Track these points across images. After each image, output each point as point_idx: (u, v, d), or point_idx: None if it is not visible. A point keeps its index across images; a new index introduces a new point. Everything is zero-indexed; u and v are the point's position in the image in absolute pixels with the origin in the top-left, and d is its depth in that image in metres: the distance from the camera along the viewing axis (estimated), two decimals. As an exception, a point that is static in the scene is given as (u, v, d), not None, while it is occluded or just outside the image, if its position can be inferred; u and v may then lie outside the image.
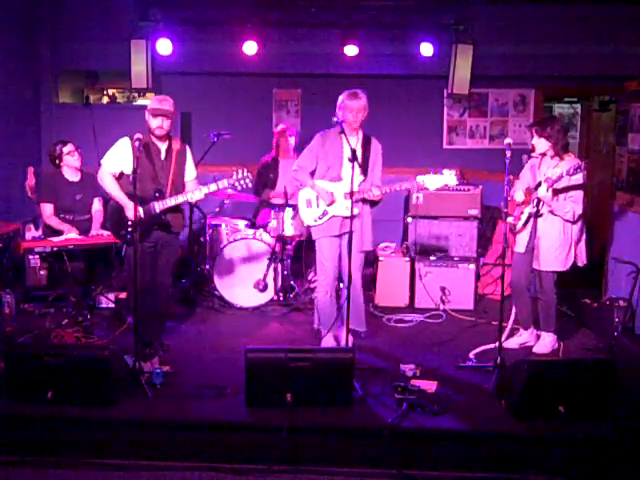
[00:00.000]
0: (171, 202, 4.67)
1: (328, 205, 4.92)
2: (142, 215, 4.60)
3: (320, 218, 4.96)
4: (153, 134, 4.70)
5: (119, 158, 4.71)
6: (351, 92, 4.84)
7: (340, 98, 4.87)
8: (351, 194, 4.56)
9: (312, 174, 5.01)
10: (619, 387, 4.02)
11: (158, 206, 4.66)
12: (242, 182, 4.64)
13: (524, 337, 5.21)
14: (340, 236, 4.95)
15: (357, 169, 4.57)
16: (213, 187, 4.67)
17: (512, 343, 5.17)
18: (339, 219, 4.91)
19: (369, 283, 6.38)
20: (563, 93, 8.45)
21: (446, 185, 4.88)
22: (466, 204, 6.28)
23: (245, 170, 4.64)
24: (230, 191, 6.22)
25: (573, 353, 5.04)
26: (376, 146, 5.00)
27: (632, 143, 5.92)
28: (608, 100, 8.16)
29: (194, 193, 4.65)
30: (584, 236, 4.98)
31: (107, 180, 4.73)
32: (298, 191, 5.13)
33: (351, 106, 4.79)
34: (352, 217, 4.56)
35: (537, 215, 4.89)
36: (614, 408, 3.97)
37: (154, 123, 4.66)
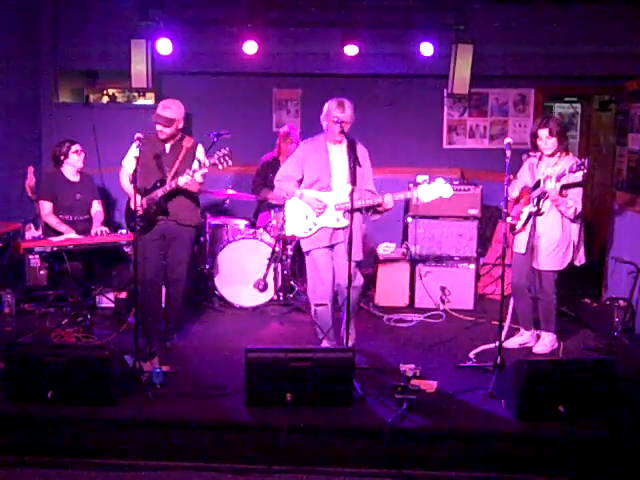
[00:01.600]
0: (169, 187, 4.75)
1: (317, 215, 4.77)
2: (145, 204, 4.76)
3: (310, 229, 4.81)
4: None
5: (132, 158, 4.85)
6: (338, 102, 4.70)
7: (326, 107, 4.75)
8: (351, 198, 4.46)
9: (299, 183, 4.88)
10: (619, 387, 4.02)
11: (159, 192, 4.77)
12: (222, 159, 4.59)
13: (524, 337, 5.21)
14: (332, 247, 4.83)
15: (347, 179, 4.55)
16: (195, 165, 4.74)
17: (512, 343, 5.17)
18: (329, 230, 4.78)
19: (369, 283, 6.39)
20: (563, 93, 8.45)
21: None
22: (466, 204, 6.26)
23: (226, 148, 4.63)
24: (231, 191, 6.28)
25: (573, 353, 5.04)
26: (362, 151, 4.84)
27: (632, 143, 5.91)
28: (608, 100, 8.16)
29: (183, 176, 4.69)
30: (582, 235, 4.98)
31: (123, 178, 5.06)
32: (284, 201, 4.97)
33: (340, 117, 4.65)
34: (342, 228, 4.52)
35: (538, 214, 4.89)
36: (614, 408, 3.97)
37: (156, 127, 4.82)
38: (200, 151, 4.99)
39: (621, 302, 5.36)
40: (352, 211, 4.52)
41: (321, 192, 4.79)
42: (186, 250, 5.00)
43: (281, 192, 4.96)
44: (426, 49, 6.79)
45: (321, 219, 4.78)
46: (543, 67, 7.05)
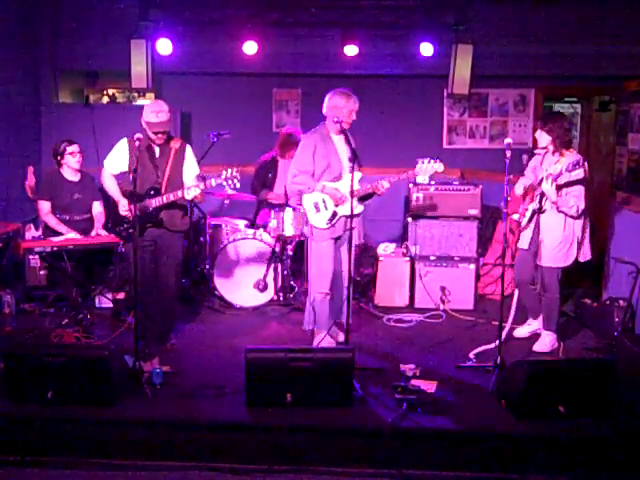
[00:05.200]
0: (166, 199, 4.67)
1: (337, 205, 4.86)
2: (137, 212, 4.62)
3: (331, 220, 4.90)
4: (151, 140, 4.73)
5: (118, 159, 4.81)
6: (344, 92, 4.77)
7: (332, 98, 4.79)
8: (351, 193, 4.56)
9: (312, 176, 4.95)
10: (619, 387, 4.02)
11: (154, 202, 4.69)
12: (230, 182, 4.57)
13: (534, 325, 5.23)
14: (338, 237, 4.94)
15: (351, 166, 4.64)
16: (201, 186, 4.59)
17: (522, 332, 5.18)
18: (343, 219, 4.88)
19: (369, 283, 6.39)
20: (563, 93, 8.44)
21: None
22: (466, 204, 6.26)
23: (234, 169, 4.57)
24: (230, 191, 6.26)
25: (573, 353, 5.04)
26: (353, 138, 4.92)
27: (632, 143, 5.92)
28: (608, 100, 8.16)
29: (188, 190, 4.60)
30: (588, 231, 4.98)
31: (106, 179, 4.88)
32: (301, 196, 5.00)
33: (349, 107, 4.75)
34: (356, 215, 4.65)
35: (540, 211, 4.90)
36: (614, 408, 3.97)
37: (152, 135, 4.70)
38: (189, 152, 4.87)
39: (621, 302, 5.36)
40: (365, 198, 4.83)
41: (333, 182, 4.89)
42: (178, 255, 4.93)
43: (301, 186, 4.94)
44: (426, 49, 6.79)
45: (341, 208, 4.88)
46: (543, 67, 7.05)
